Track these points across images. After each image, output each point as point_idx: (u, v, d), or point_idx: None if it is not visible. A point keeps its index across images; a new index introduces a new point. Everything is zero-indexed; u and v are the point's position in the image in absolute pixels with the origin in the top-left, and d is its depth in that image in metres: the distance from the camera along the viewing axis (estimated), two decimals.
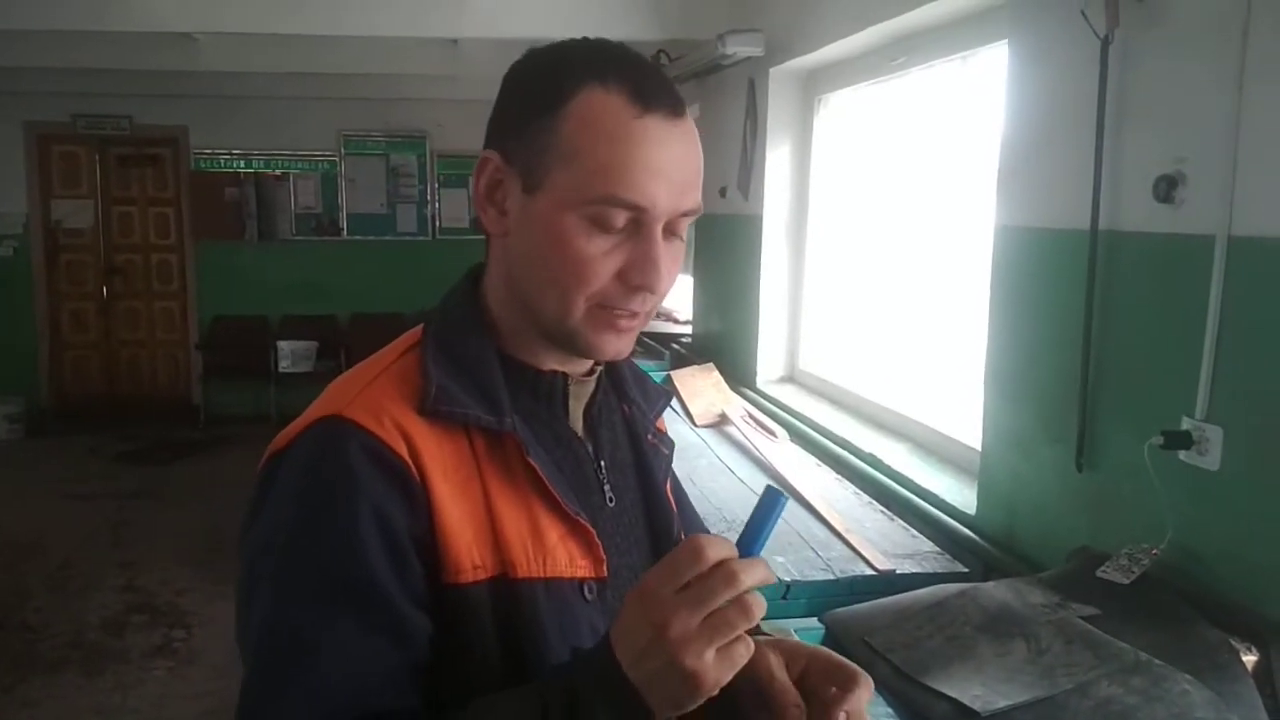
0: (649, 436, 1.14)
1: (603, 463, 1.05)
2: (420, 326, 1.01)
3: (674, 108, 0.92)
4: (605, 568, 0.98)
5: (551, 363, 1.00)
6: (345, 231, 8.11)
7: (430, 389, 0.92)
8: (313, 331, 7.86)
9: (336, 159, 8.05)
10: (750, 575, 0.79)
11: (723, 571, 0.78)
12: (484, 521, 0.91)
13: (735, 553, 0.80)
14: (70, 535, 5.30)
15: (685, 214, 0.94)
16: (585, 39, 0.97)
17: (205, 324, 8.14)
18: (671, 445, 1.19)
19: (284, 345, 7.67)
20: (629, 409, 1.12)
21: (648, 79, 0.92)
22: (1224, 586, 1.74)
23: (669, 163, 0.91)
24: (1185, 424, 1.80)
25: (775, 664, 0.96)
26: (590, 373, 1.05)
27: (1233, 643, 1.59)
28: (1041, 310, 2.27)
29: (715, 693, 0.79)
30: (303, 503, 0.88)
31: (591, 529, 0.97)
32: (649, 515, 1.10)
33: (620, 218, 0.90)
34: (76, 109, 7.65)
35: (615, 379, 1.13)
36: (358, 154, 8.07)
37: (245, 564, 0.91)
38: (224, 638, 4.12)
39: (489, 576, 0.91)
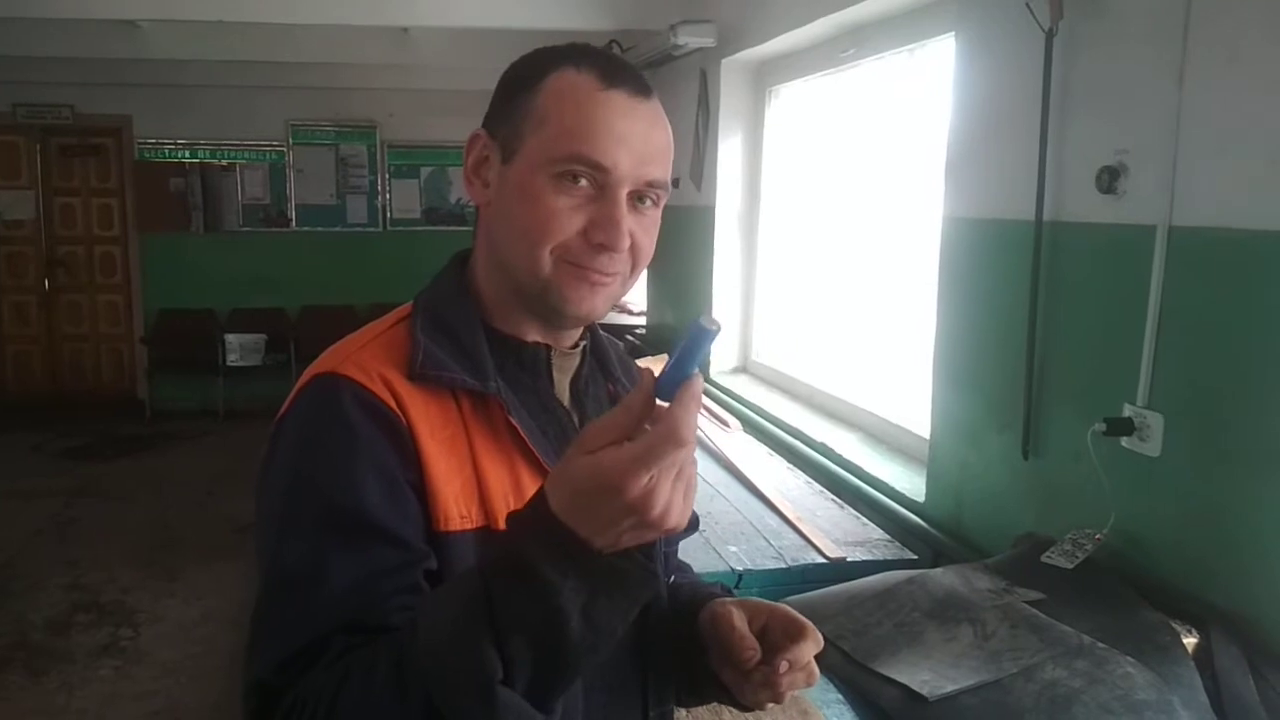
0: None
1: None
2: (410, 303, 1.07)
3: (639, 88, 1.01)
4: None
5: (534, 334, 1.06)
6: (294, 223, 7.99)
7: (418, 354, 0.98)
8: (261, 324, 7.73)
9: (285, 149, 7.92)
10: (688, 425, 0.76)
11: (665, 430, 0.76)
12: (470, 476, 0.97)
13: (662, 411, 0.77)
14: (13, 534, 5.18)
15: (651, 184, 1.01)
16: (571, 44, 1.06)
17: (150, 317, 7.97)
18: None
19: (232, 339, 7.54)
20: (614, 388, 1.17)
21: (615, 64, 1.02)
22: (1165, 570, 1.78)
23: (631, 132, 0.99)
24: (1127, 411, 1.84)
25: (738, 618, 1.03)
26: (574, 346, 1.10)
27: (1173, 625, 1.62)
28: (988, 300, 2.30)
29: (684, 524, 0.79)
30: (303, 450, 0.94)
31: None
32: None
33: (584, 176, 0.98)
34: (17, 98, 7.45)
35: (601, 359, 1.17)
36: (306, 144, 7.95)
37: (259, 520, 0.96)
38: (172, 636, 4.06)
39: (475, 527, 0.96)
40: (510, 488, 0.99)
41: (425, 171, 8.11)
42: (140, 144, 7.76)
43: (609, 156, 0.97)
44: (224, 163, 7.86)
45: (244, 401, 7.52)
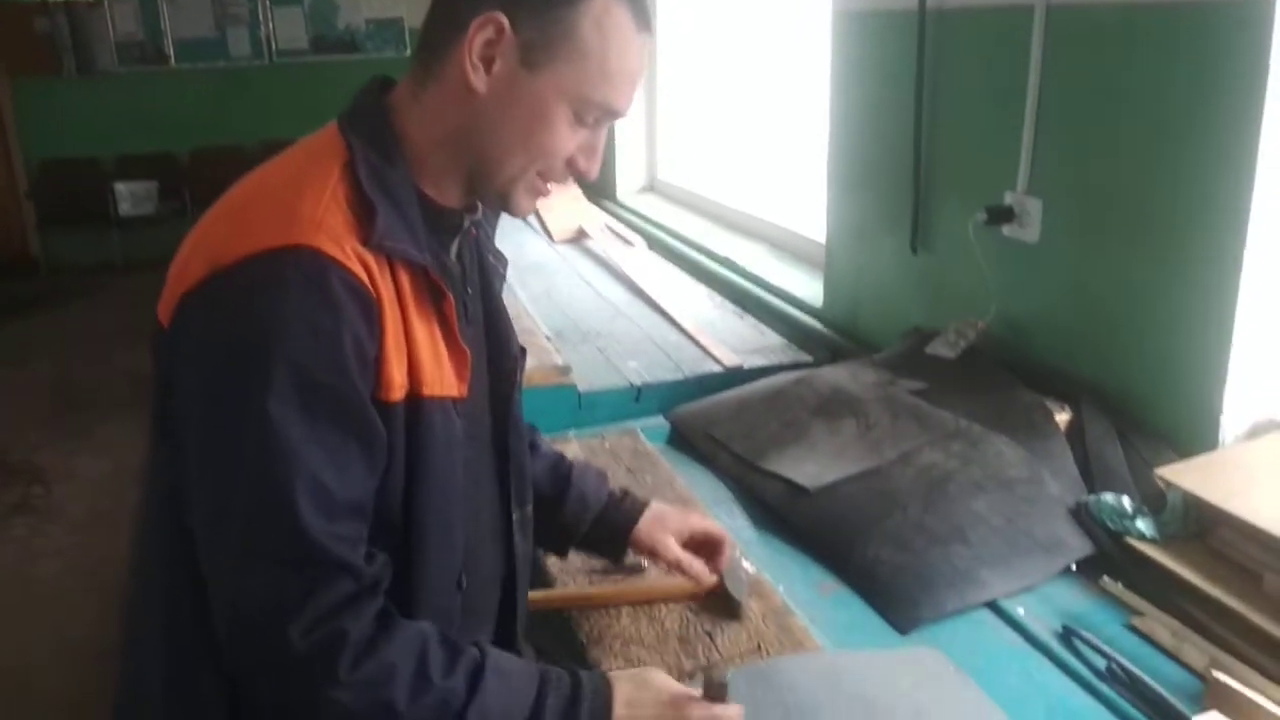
0: (490, 256, 1.22)
1: (469, 289, 1.13)
2: (332, 133, 1.03)
3: (651, 27, 1.05)
4: (466, 387, 1.06)
5: (453, 200, 1.06)
6: (173, 59, 7.48)
7: (378, 224, 0.95)
8: (151, 171, 7.34)
9: None
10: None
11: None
12: (403, 344, 0.97)
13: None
14: None
15: None
16: None
17: (33, 169, 7.54)
18: (506, 264, 1.27)
19: (121, 187, 7.17)
20: (475, 230, 1.17)
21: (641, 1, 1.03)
22: (1043, 353, 1.82)
23: (640, 76, 1.04)
24: (1008, 199, 1.84)
25: (672, 544, 1.32)
26: (474, 209, 1.11)
27: (1047, 404, 1.66)
28: (876, 98, 2.25)
29: None
30: (294, 325, 0.90)
31: (469, 355, 1.05)
32: (488, 331, 1.19)
33: (596, 118, 1.02)
34: None
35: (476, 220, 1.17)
36: None
37: (214, 374, 0.92)
38: (83, 491, 4.01)
39: (405, 396, 0.98)
40: (431, 356, 1.00)
41: None
42: None
43: (625, 105, 1.02)
44: None
45: (141, 252, 7.23)
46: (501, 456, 1.18)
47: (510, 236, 3.65)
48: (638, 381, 2.23)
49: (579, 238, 3.60)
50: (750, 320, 2.67)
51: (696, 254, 3.27)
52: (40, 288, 7.15)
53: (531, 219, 3.86)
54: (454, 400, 1.04)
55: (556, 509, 1.35)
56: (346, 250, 0.93)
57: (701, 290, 2.95)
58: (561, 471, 1.38)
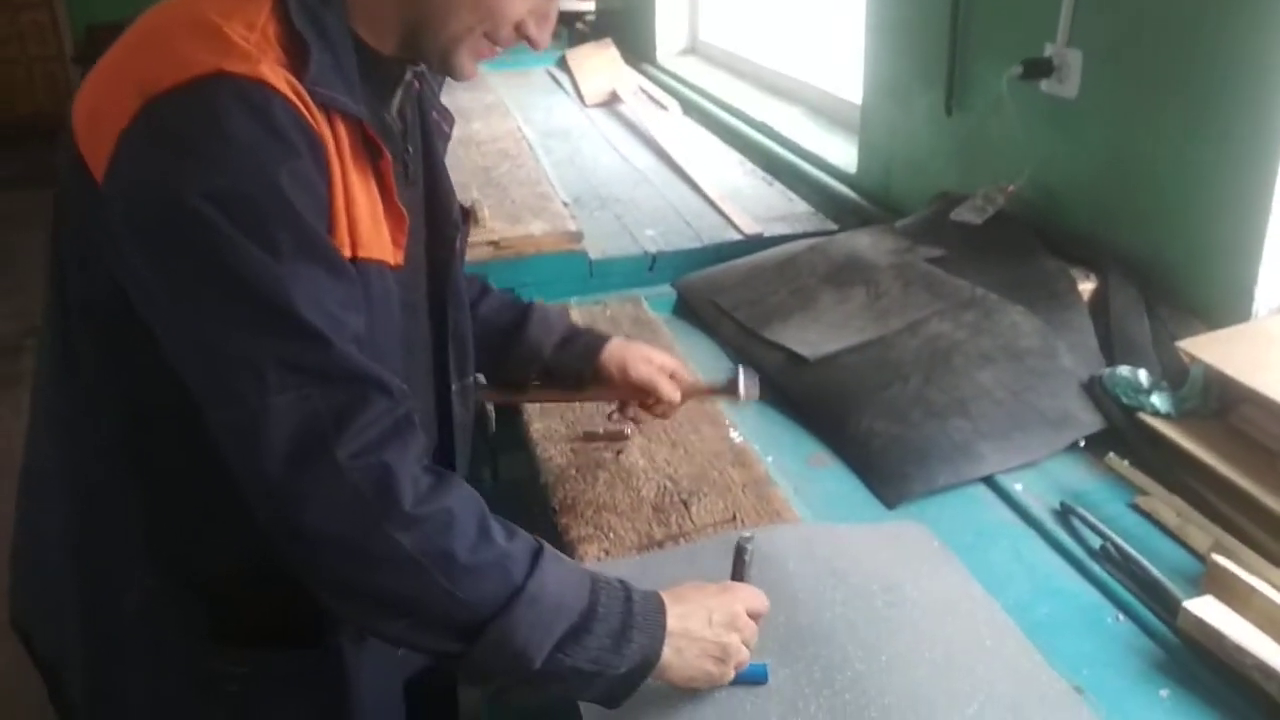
0: (434, 113, 1.14)
1: (410, 147, 1.05)
2: None
3: None
4: (403, 254, 0.98)
5: (391, 50, 0.96)
6: None
7: (311, 66, 0.86)
8: None
9: None
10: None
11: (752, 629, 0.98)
12: (342, 201, 0.89)
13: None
14: None
15: None
16: None
17: (79, 34, 7.50)
18: (453, 123, 1.19)
19: None
20: (420, 84, 1.10)
21: None
22: (1072, 218, 1.71)
23: None
24: (1047, 50, 1.70)
25: (641, 365, 1.29)
26: (416, 61, 1.02)
27: (1071, 272, 1.56)
28: None
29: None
30: (238, 159, 0.82)
31: (407, 219, 0.97)
32: (428, 194, 1.11)
33: None
34: None
35: (423, 75, 1.11)
36: None
37: (166, 221, 0.83)
38: None
39: (350, 256, 0.90)
40: (369, 216, 0.92)
41: None
42: None
43: None
44: None
45: None
46: (440, 326, 1.11)
47: (540, 100, 3.53)
48: (653, 249, 2.14)
49: (611, 101, 3.47)
50: (779, 188, 2.55)
51: (732, 119, 3.14)
52: None
53: (564, 80, 3.72)
54: (390, 267, 0.96)
55: (518, 334, 1.29)
56: (290, 89, 0.84)
57: (734, 157, 2.83)
58: (520, 303, 1.33)
